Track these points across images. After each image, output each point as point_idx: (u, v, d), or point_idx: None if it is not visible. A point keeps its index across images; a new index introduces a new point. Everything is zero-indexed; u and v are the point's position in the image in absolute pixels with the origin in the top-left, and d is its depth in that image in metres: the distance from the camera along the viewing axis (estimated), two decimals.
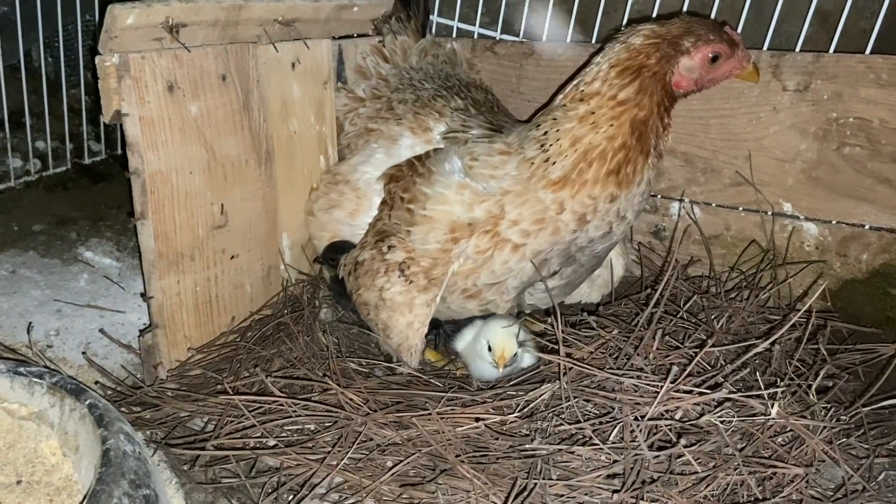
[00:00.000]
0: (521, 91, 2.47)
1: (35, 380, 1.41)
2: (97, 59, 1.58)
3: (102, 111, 1.64)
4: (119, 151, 3.02)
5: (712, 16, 2.24)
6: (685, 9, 2.27)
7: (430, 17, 2.62)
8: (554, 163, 1.74)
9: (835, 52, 2.05)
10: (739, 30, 2.19)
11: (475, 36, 2.67)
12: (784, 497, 1.38)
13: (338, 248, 2.13)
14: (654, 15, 2.32)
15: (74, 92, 2.94)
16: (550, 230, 1.77)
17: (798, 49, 2.11)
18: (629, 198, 1.77)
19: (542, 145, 1.77)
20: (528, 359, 1.85)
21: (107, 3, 1.53)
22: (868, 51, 2.03)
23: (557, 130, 1.75)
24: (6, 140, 2.62)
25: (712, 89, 2.15)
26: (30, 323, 1.95)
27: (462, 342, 1.91)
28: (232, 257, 1.94)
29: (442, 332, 2.11)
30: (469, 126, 2.00)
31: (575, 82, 1.77)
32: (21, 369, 1.43)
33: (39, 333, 1.94)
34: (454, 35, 2.69)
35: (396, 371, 1.91)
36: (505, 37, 2.61)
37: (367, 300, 1.93)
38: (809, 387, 1.59)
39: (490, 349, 1.81)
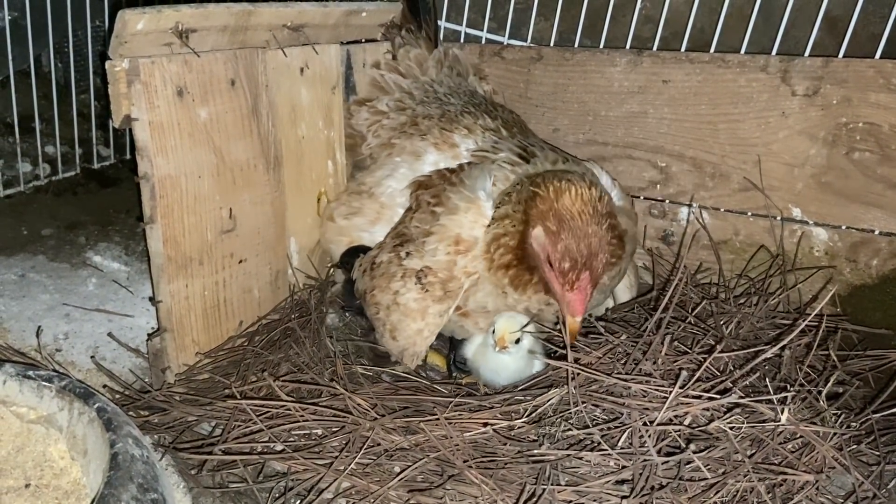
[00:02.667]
0: (528, 96, 2.47)
1: (44, 384, 1.41)
2: (107, 64, 1.59)
3: (112, 116, 1.65)
4: (128, 156, 3.03)
5: (720, 22, 2.23)
6: (693, 14, 2.27)
7: (438, 22, 2.63)
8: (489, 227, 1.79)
9: (844, 56, 2.04)
10: (748, 35, 2.19)
11: (483, 41, 2.67)
12: None
13: (353, 252, 2.13)
14: (662, 21, 2.32)
15: (84, 97, 2.95)
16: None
17: (807, 54, 2.11)
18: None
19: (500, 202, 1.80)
20: (537, 365, 1.85)
21: (117, 8, 1.54)
22: (878, 55, 2.02)
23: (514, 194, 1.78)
24: (16, 145, 2.63)
25: (721, 93, 2.18)
26: (39, 327, 1.96)
27: (471, 347, 1.90)
28: (240, 261, 1.94)
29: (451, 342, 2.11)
30: (500, 149, 1.99)
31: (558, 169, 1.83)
32: (30, 373, 1.43)
33: (48, 337, 1.95)
34: (462, 40, 2.69)
35: (401, 373, 1.92)
36: (513, 42, 2.62)
37: (380, 301, 1.93)
38: (819, 393, 1.58)
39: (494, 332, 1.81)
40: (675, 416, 1.47)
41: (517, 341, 1.78)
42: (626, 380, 1.56)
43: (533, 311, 1.80)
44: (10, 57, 2.48)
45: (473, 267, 1.81)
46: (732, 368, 1.61)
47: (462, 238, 1.82)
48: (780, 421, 1.42)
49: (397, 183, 2.08)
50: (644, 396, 1.52)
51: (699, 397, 1.47)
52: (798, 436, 1.46)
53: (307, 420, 1.60)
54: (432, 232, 1.86)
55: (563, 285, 1.62)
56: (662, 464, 1.40)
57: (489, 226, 1.79)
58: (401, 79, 2.30)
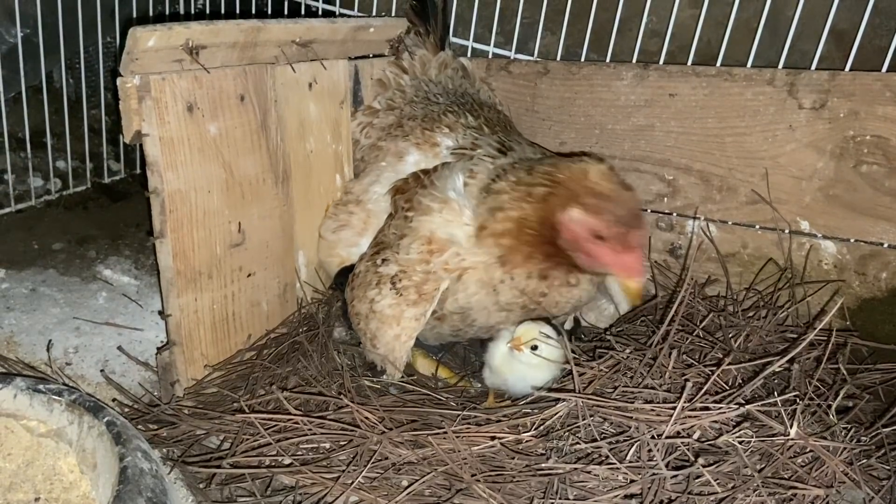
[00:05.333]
0: (535, 110, 2.48)
1: (54, 397, 1.42)
2: (118, 81, 1.61)
3: (123, 131, 1.66)
4: (138, 170, 3.05)
5: (727, 35, 2.23)
6: (699, 28, 2.28)
7: (449, 33, 2.64)
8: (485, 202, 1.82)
9: (851, 70, 2.04)
10: (754, 48, 2.19)
11: (490, 55, 2.69)
12: None
13: (345, 273, 2.13)
14: (669, 35, 2.33)
15: (95, 112, 2.98)
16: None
17: (814, 67, 2.11)
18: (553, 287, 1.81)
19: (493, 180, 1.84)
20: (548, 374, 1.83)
21: (128, 25, 1.56)
22: (884, 69, 2.02)
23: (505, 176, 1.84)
24: (27, 159, 2.66)
25: (728, 107, 2.18)
26: (49, 340, 1.97)
27: (497, 355, 1.86)
28: (249, 275, 1.95)
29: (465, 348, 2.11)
30: (479, 145, 2.01)
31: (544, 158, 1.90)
32: (40, 387, 1.44)
33: (58, 351, 1.96)
34: (469, 55, 2.71)
35: (409, 384, 1.92)
36: (520, 56, 2.63)
37: (359, 311, 1.95)
38: (829, 407, 1.57)
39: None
40: (684, 430, 1.46)
41: (533, 348, 1.77)
42: (633, 393, 1.55)
43: (529, 305, 1.81)
44: (22, 73, 2.51)
45: (456, 263, 1.81)
46: (741, 381, 1.61)
47: (436, 237, 1.83)
48: (789, 435, 1.41)
49: (382, 188, 2.09)
50: (652, 410, 1.51)
51: (707, 410, 1.47)
52: (808, 450, 1.45)
53: (315, 433, 1.60)
54: (405, 234, 1.88)
55: (618, 251, 1.64)
56: (671, 478, 1.40)
57: (483, 219, 1.80)
58: (401, 74, 2.33)
